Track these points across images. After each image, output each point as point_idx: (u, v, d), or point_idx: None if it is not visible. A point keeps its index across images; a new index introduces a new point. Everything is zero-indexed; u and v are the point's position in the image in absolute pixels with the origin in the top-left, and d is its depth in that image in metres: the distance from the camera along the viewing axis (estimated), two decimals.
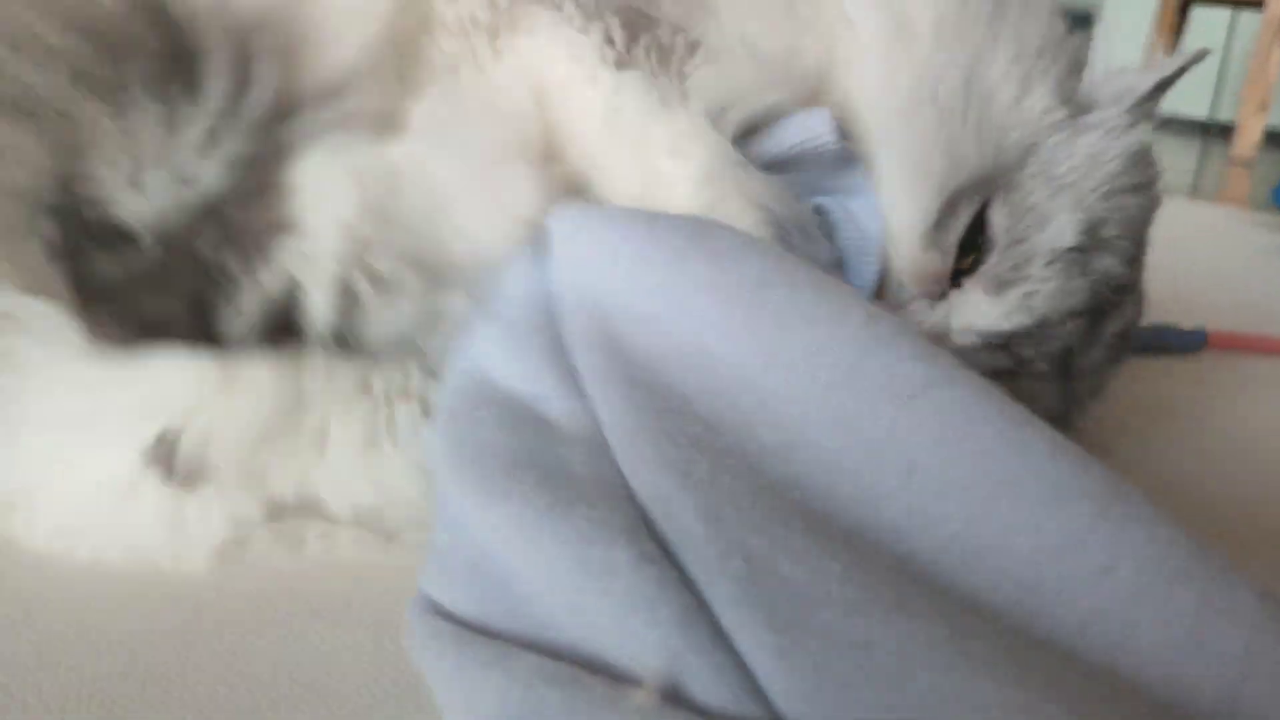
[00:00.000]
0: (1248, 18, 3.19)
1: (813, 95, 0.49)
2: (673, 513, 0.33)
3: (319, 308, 0.41)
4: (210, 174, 0.40)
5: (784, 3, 0.48)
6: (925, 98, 0.47)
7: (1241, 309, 1.02)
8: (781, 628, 0.29)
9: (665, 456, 0.34)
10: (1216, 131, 3.48)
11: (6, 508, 0.42)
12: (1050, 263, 0.47)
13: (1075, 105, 0.50)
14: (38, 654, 0.37)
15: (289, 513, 0.44)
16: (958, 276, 0.49)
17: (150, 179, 0.39)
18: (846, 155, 0.48)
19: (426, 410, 0.43)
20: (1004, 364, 0.49)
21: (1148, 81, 0.52)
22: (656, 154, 0.45)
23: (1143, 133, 0.51)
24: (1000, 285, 0.48)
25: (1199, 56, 0.54)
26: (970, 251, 0.48)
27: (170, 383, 0.40)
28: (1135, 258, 0.52)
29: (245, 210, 0.40)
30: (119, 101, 0.39)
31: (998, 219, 0.48)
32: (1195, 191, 2.03)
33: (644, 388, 0.37)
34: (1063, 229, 0.47)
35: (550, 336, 0.41)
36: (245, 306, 0.41)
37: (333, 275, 0.41)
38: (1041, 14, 0.50)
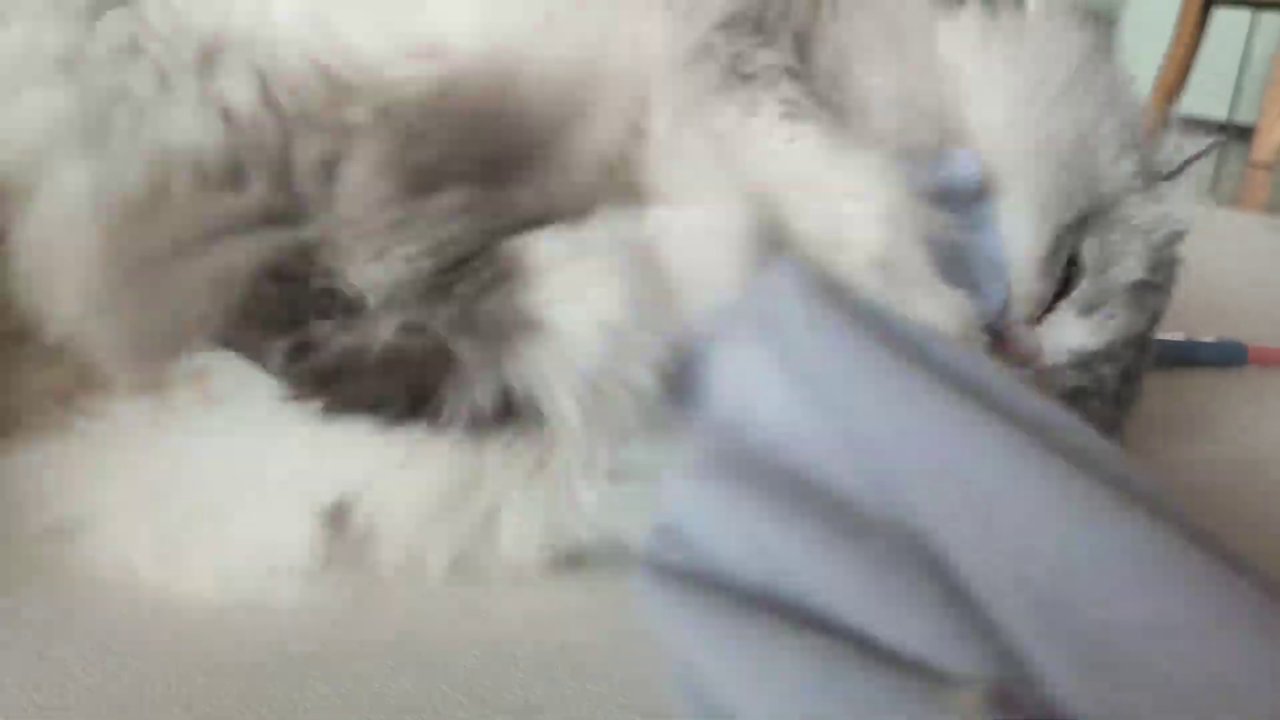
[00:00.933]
0: (1269, 19, 3.17)
1: (939, 136, 0.55)
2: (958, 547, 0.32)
3: (563, 413, 0.38)
4: (456, 236, 0.37)
5: (898, 52, 0.54)
6: (1050, 149, 0.55)
7: (1275, 318, 1.01)
8: (1089, 670, 0.28)
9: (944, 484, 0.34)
10: (1235, 133, 3.47)
11: (171, 556, 0.41)
12: (1123, 293, 0.57)
13: (1147, 174, 0.61)
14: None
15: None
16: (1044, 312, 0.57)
17: (398, 252, 0.36)
18: (981, 192, 0.54)
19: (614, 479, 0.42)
20: (1084, 382, 0.57)
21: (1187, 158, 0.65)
22: (839, 197, 0.47)
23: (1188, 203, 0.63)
24: (1088, 309, 0.56)
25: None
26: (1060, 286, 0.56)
27: (353, 452, 0.39)
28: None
29: (485, 295, 0.36)
30: (421, 187, 0.37)
31: (1089, 253, 0.56)
32: (1214, 194, 2.02)
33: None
34: (1135, 266, 0.57)
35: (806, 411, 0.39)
36: (478, 400, 0.37)
37: (585, 382, 0.37)
38: (1135, 101, 0.62)
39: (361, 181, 0.36)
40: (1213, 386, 0.80)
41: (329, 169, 0.36)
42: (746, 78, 0.48)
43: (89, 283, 0.38)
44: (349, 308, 0.36)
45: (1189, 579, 0.29)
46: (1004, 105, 0.55)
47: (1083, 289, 0.56)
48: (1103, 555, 0.30)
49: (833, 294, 0.42)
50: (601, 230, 0.39)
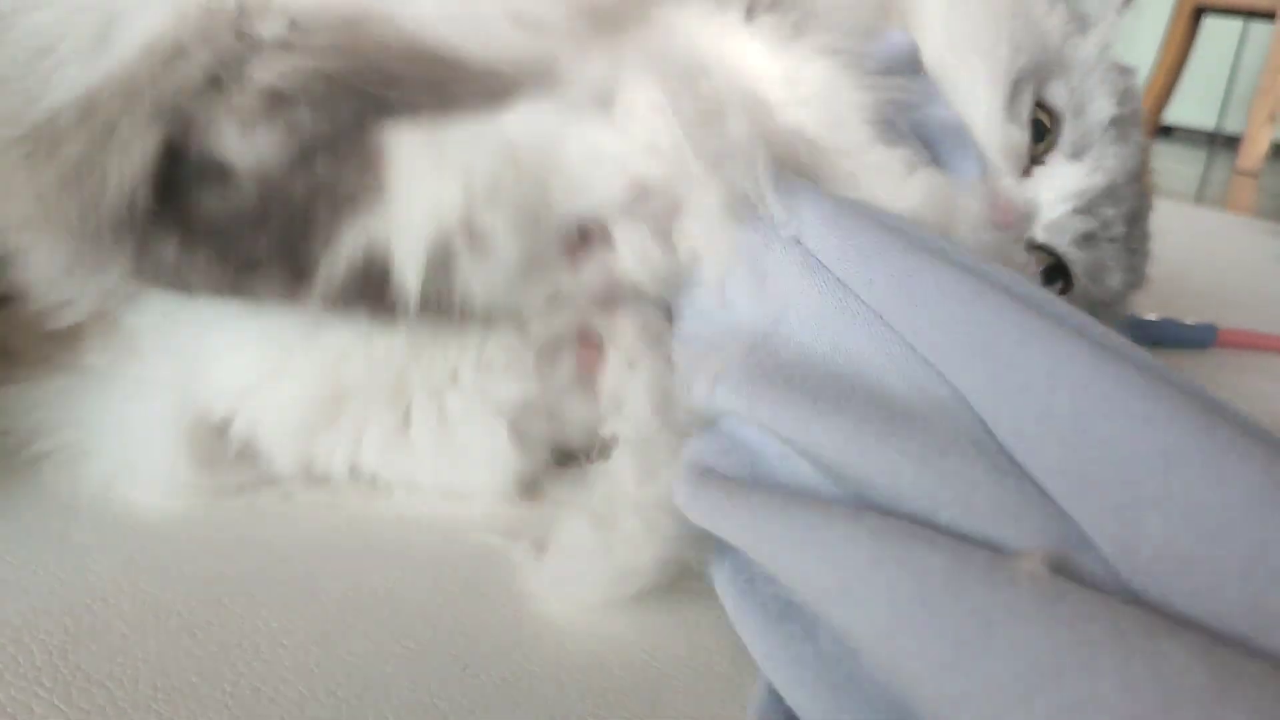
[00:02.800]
0: (1259, 28, 3.20)
1: (887, 18, 0.57)
2: (1001, 414, 0.34)
3: (401, 274, 0.41)
4: (308, 120, 0.41)
5: None
6: (979, 5, 0.58)
7: (1254, 313, 1.02)
8: (1124, 515, 0.29)
9: (974, 353, 0.36)
10: (1223, 142, 3.49)
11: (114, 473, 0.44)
12: (1105, 130, 0.59)
13: (1077, 18, 0.63)
14: None
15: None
16: (1030, 166, 0.59)
17: (261, 128, 0.41)
18: (917, 65, 0.56)
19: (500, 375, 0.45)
20: (1091, 226, 0.59)
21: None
22: (773, 83, 0.50)
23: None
24: (1077, 151, 0.59)
25: None
26: (1039, 139, 0.58)
27: (229, 363, 0.43)
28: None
29: (338, 165, 0.41)
30: (287, 100, 0.42)
31: (1058, 98, 0.59)
32: (1200, 201, 2.03)
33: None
34: (1105, 102, 0.59)
35: (831, 287, 0.42)
36: (334, 257, 0.41)
37: (421, 251, 0.41)
38: None
39: (254, 79, 0.42)
40: (1183, 366, 0.81)
41: (238, 66, 0.42)
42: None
43: (20, 202, 0.42)
44: (222, 175, 0.41)
45: (1189, 413, 0.30)
46: None
47: (1065, 135, 0.58)
48: (1117, 394, 0.32)
49: (845, 204, 0.44)
50: (474, 123, 0.43)
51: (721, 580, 0.38)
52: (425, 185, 0.41)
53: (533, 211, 0.43)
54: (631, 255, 0.45)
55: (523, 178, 0.42)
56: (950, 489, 0.33)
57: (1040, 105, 0.59)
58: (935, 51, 0.57)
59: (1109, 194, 0.59)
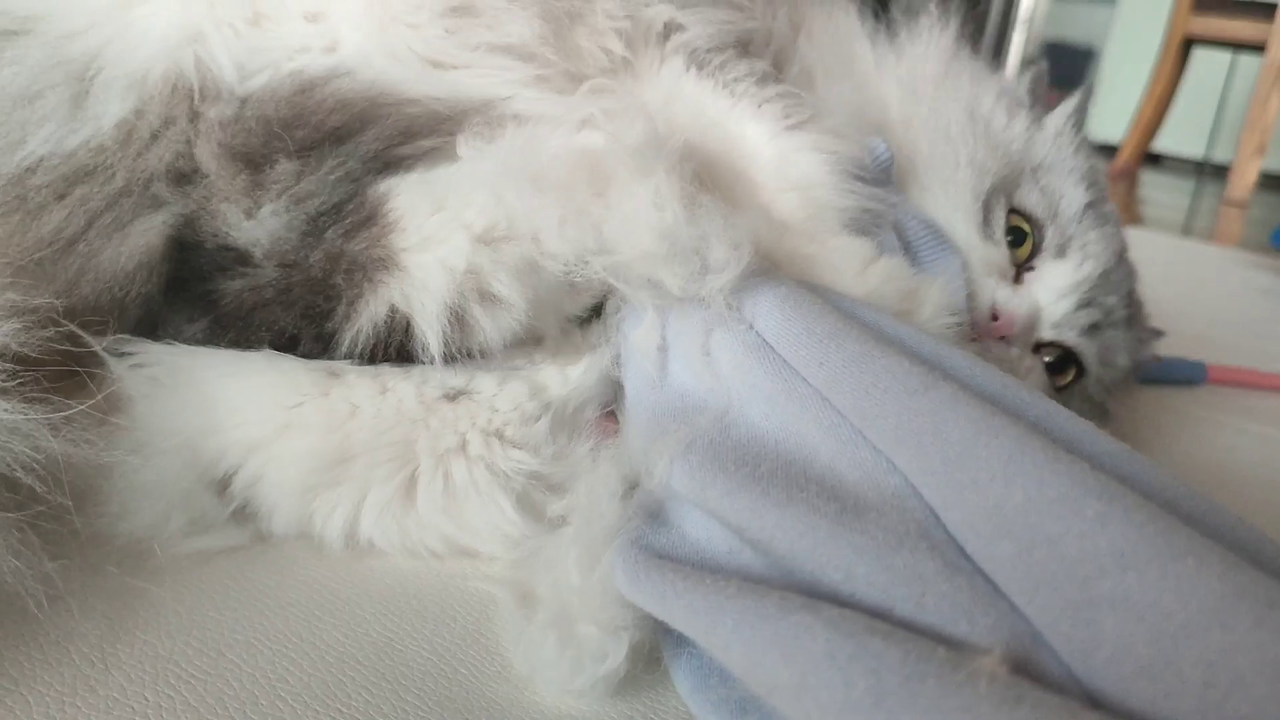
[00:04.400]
0: (1248, 60, 3.23)
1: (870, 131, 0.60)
2: (950, 504, 0.34)
3: (424, 337, 0.44)
4: (315, 191, 0.44)
5: (846, 70, 0.61)
6: (940, 133, 0.60)
7: (1242, 347, 1.03)
8: (1079, 614, 0.29)
9: (922, 443, 0.36)
10: (1211, 171, 3.52)
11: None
12: (1081, 219, 0.61)
13: (1036, 117, 0.66)
14: None
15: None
16: (1020, 274, 0.60)
17: (265, 208, 0.44)
18: (889, 174, 0.58)
19: (499, 441, 0.45)
20: (1096, 317, 0.60)
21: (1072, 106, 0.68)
22: (769, 166, 0.53)
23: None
24: (1061, 248, 0.60)
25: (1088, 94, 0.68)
26: (1019, 244, 0.60)
27: (238, 419, 0.43)
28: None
29: (349, 238, 0.43)
30: (260, 163, 0.44)
31: (1032, 203, 0.60)
32: (1188, 230, 2.05)
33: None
34: (1076, 193, 0.61)
35: (777, 368, 0.42)
36: (359, 324, 0.44)
37: (441, 308, 0.43)
38: (1002, 74, 0.68)
39: (207, 160, 0.44)
40: (1173, 402, 0.81)
41: (188, 156, 0.45)
42: (729, 82, 0.54)
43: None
44: (242, 260, 0.44)
45: (1145, 515, 0.30)
46: (898, 103, 0.62)
47: (1049, 238, 0.60)
48: (1072, 492, 0.31)
49: (803, 291, 0.44)
50: (461, 170, 0.45)
51: (678, 674, 0.38)
52: (432, 245, 0.43)
53: (531, 257, 0.44)
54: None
55: (513, 223, 0.44)
56: (903, 585, 0.32)
57: (1016, 212, 0.60)
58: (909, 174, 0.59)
59: (1104, 281, 0.61)
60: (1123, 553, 0.30)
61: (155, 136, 0.45)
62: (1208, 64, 3.15)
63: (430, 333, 0.43)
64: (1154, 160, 3.61)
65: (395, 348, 0.44)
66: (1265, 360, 0.95)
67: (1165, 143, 3.35)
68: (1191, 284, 1.39)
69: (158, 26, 0.47)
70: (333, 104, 0.45)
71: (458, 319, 0.43)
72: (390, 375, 0.45)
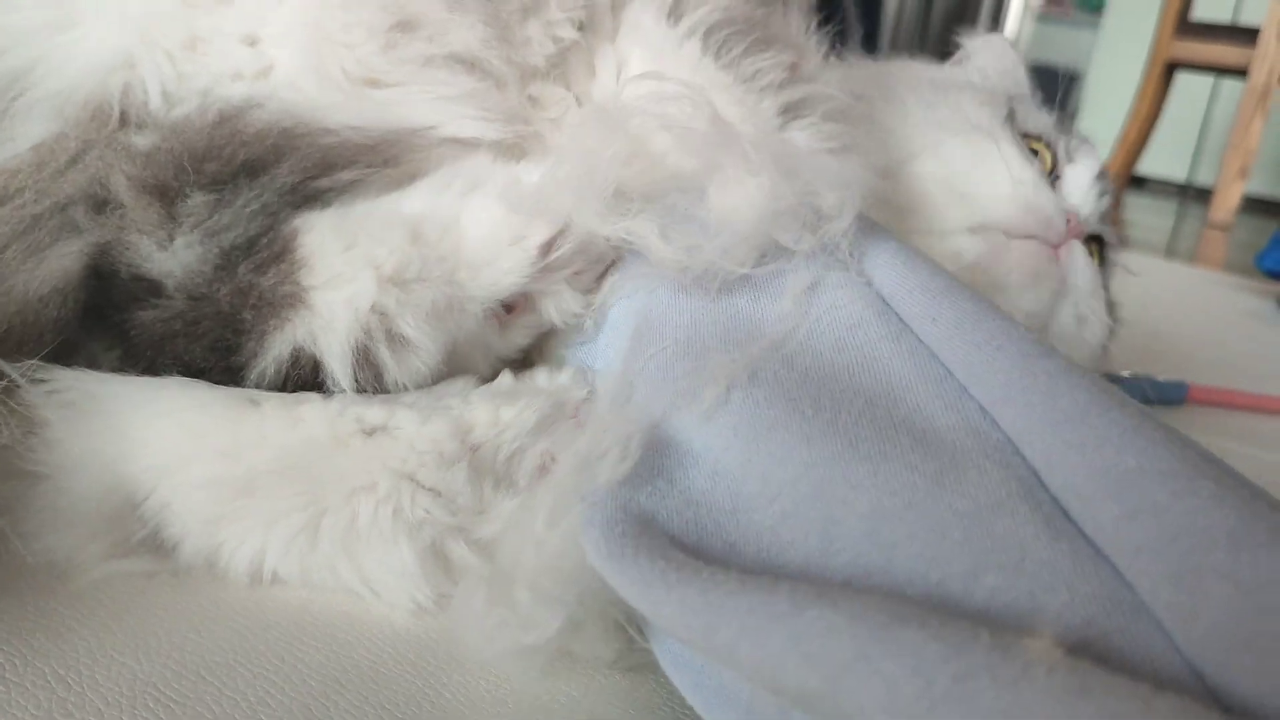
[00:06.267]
0: (1230, 85, 3.27)
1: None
2: (1055, 464, 0.33)
3: (333, 374, 0.43)
4: (230, 225, 0.43)
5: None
6: (934, 102, 0.66)
7: (1224, 368, 1.04)
8: (1183, 582, 0.29)
9: (1033, 402, 0.35)
10: (1194, 194, 3.55)
11: None
12: (1061, 132, 0.68)
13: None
14: None
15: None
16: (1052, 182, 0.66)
17: (179, 240, 0.43)
18: None
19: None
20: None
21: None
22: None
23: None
24: (1070, 154, 0.67)
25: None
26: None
27: (154, 444, 0.42)
28: None
29: (260, 273, 0.42)
30: (173, 196, 0.43)
31: (1035, 125, 0.67)
32: (1171, 253, 2.06)
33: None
34: (1041, 112, 0.69)
35: (889, 318, 0.41)
36: (265, 360, 0.43)
37: (346, 348, 0.42)
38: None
39: (121, 191, 0.43)
40: None
41: (103, 184, 0.44)
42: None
43: None
44: (154, 290, 0.43)
45: (1262, 504, 0.30)
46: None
47: (1059, 147, 0.67)
48: (1184, 471, 0.31)
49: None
50: (377, 208, 0.45)
51: (668, 660, 0.35)
52: (339, 283, 0.42)
53: (445, 300, 0.43)
54: (555, 313, 0.47)
55: (427, 265, 0.43)
56: (1002, 551, 0.31)
57: (1027, 136, 0.66)
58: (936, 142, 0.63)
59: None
60: (1235, 532, 0.29)
61: (73, 161, 0.44)
62: (1190, 88, 3.18)
63: (338, 372, 0.42)
64: (1138, 183, 3.64)
65: (308, 382, 0.43)
66: (1247, 380, 0.96)
67: (1149, 166, 3.38)
68: (1174, 306, 1.40)
69: (87, 50, 0.46)
70: (246, 136, 0.45)
71: (365, 359, 0.42)
72: (308, 406, 0.42)
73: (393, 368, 0.43)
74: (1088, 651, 0.28)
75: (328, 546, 0.41)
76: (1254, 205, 3.22)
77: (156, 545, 0.42)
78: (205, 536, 0.42)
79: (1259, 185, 3.20)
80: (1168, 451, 0.32)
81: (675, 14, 0.54)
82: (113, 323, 0.44)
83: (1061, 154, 0.67)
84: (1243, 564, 0.28)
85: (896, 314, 0.41)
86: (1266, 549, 0.29)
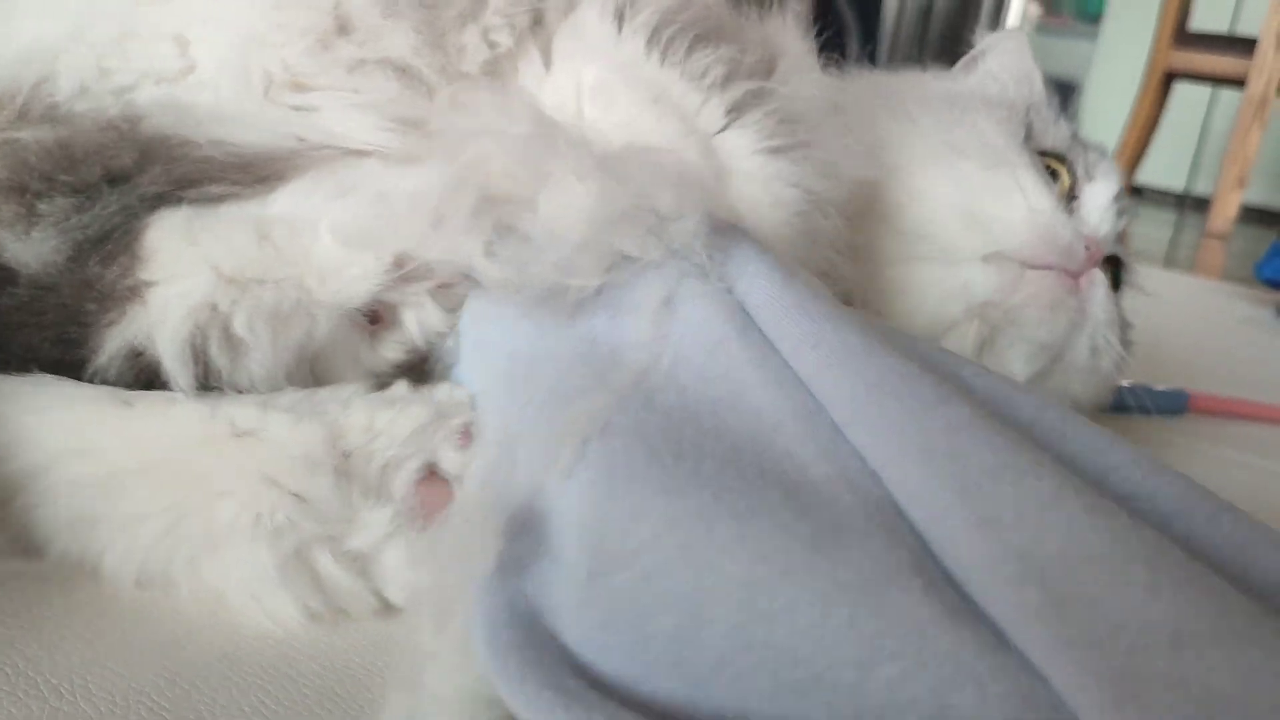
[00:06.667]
0: (1228, 95, 3.27)
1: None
2: (957, 538, 0.29)
3: (169, 370, 0.41)
4: (88, 224, 0.42)
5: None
6: (947, 121, 0.64)
7: (1224, 377, 1.03)
8: (1122, 687, 0.25)
9: (933, 461, 0.30)
10: (1193, 203, 3.55)
11: None
12: (1077, 145, 0.66)
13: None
14: None
15: None
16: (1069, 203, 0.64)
17: (36, 234, 0.43)
18: None
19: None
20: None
21: None
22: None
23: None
24: (1089, 172, 0.65)
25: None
26: (1054, 182, 0.63)
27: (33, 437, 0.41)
28: None
29: (105, 266, 0.42)
30: (34, 198, 0.43)
31: (1054, 141, 0.66)
32: (1169, 262, 2.07)
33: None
34: (1060, 124, 0.68)
35: (753, 336, 0.36)
36: (104, 355, 0.42)
37: (179, 345, 0.41)
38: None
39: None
40: (1155, 432, 0.82)
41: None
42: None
43: None
44: (10, 279, 0.43)
45: (1197, 589, 0.27)
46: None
47: (1079, 164, 0.65)
48: (1116, 554, 0.27)
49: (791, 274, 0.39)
50: (233, 210, 0.44)
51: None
52: (175, 280, 0.41)
53: (289, 303, 0.42)
54: (416, 328, 0.45)
55: (270, 267, 0.42)
56: (896, 637, 0.27)
57: (1045, 154, 0.64)
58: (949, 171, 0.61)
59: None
60: (1178, 632, 0.26)
61: None
62: (1188, 98, 3.19)
63: (174, 369, 0.41)
64: (1136, 192, 3.65)
65: (149, 378, 0.42)
66: (1248, 388, 0.96)
67: (1147, 175, 3.38)
68: (1174, 315, 1.40)
69: (17, 43, 0.46)
70: (129, 144, 0.44)
71: (198, 357, 0.41)
72: (180, 407, 0.41)
73: (227, 368, 0.42)
74: None
75: (189, 550, 0.40)
76: (1252, 214, 3.23)
77: (25, 546, 0.41)
78: (71, 540, 0.41)
79: (1257, 194, 3.20)
80: (1094, 529, 0.28)
81: (621, 15, 0.52)
82: None
83: (1080, 172, 0.64)
84: (1188, 666, 0.25)
85: (760, 331, 0.37)
86: (1214, 646, 0.26)
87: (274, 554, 0.39)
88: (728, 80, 0.51)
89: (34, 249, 0.42)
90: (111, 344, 0.42)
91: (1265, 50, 2.52)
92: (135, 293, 0.41)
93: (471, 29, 0.51)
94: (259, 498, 0.40)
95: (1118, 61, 3.51)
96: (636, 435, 0.33)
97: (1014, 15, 3.43)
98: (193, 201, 0.43)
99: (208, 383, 0.42)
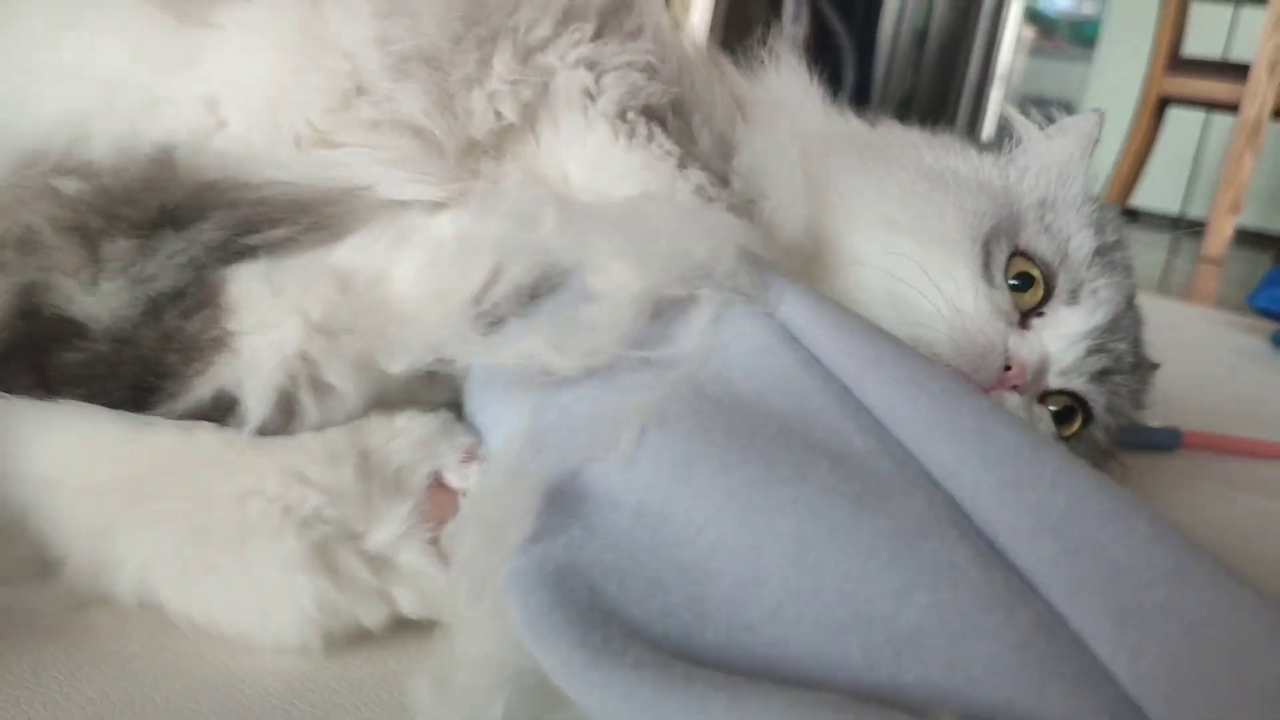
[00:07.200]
0: (1221, 120, 3.30)
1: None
2: (984, 501, 0.33)
3: (249, 412, 0.42)
4: (157, 275, 0.43)
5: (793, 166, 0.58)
6: (909, 194, 0.58)
7: (1220, 410, 1.04)
8: (1126, 620, 0.29)
9: (960, 439, 0.34)
10: (1187, 227, 3.57)
11: None
12: (1091, 264, 0.58)
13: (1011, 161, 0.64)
14: None
15: None
16: (1026, 320, 0.57)
17: (105, 285, 0.43)
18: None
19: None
20: (1106, 364, 0.57)
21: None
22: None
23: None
24: (1073, 294, 0.57)
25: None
26: (1025, 291, 0.57)
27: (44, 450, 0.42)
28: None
29: (186, 319, 0.43)
30: (96, 238, 0.44)
31: (1041, 247, 0.58)
32: (1164, 287, 2.07)
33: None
34: (1084, 236, 0.59)
35: (795, 346, 0.40)
36: (187, 401, 0.43)
37: (270, 391, 0.42)
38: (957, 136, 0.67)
39: (46, 232, 0.44)
40: (1148, 468, 0.82)
41: (27, 225, 0.44)
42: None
43: None
44: (80, 333, 0.43)
45: (1186, 540, 0.31)
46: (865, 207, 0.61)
47: (1060, 284, 0.57)
48: (1119, 509, 0.31)
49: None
50: (302, 264, 0.45)
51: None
52: (265, 329, 0.43)
53: (373, 351, 0.44)
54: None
55: (356, 316, 0.43)
56: (932, 571, 0.31)
57: (1023, 255, 0.57)
58: (886, 240, 0.56)
59: (1114, 327, 0.58)
60: (1176, 571, 0.29)
61: (4, 208, 0.45)
62: (1182, 123, 3.21)
63: (254, 413, 0.42)
64: (1131, 216, 3.67)
65: (216, 418, 0.43)
66: (1242, 424, 0.96)
67: (1142, 199, 3.40)
68: (1168, 345, 1.40)
69: (46, 111, 0.47)
70: (179, 183, 0.45)
71: (286, 403, 0.43)
72: (202, 424, 0.43)
73: (314, 413, 0.43)
74: (1029, 677, 0.29)
75: (216, 546, 0.40)
76: (1247, 238, 3.25)
77: (39, 567, 0.41)
78: (91, 550, 0.41)
79: (1251, 218, 3.22)
80: (1100, 492, 0.32)
81: (589, 94, 0.54)
82: (33, 362, 0.43)
83: (1062, 290, 0.57)
84: (1186, 602, 0.29)
85: (801, 344, 0.40)
86: (1209, 588, 0.29)
87: (302, 542, 0.40)
88: (684, 159, 0.54)
89: (106, 303, 0.43)
90: (196, 391, 0.43)
91: (1258, 75, 2.54)
92: (221, 343, 0.43)
93: (477, 93, 0.52)
94: (288, 491, 0.41)
95: (1112, 86, 3.53)
96: (693, 422, 0.37)
97: (1009, 38, 3.45)
98: (257, 246, 0.45)
99: (286, 426, 0.43)
